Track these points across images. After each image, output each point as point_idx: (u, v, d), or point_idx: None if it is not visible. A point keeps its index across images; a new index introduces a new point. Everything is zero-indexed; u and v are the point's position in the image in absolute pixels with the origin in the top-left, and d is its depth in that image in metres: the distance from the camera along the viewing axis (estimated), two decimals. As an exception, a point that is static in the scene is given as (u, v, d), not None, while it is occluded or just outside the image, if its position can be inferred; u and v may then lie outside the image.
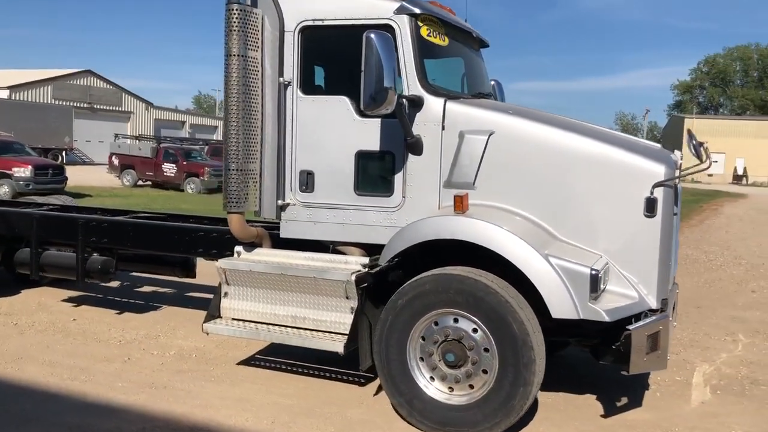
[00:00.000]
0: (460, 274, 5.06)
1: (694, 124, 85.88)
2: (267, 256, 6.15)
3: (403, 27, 5.53)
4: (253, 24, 5.81)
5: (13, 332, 7.49)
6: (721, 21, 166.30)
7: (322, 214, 5.93)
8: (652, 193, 5.08)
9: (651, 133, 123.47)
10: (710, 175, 79.80)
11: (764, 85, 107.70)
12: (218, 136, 65.28)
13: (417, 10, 5.55)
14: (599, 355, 5.53)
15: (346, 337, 5.58)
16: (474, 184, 5.47)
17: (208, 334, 6.07)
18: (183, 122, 64.72)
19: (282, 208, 6.04)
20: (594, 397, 6.15)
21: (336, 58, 6.09)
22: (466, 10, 6.86)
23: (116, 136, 37.83)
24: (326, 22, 5.77)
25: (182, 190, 30.50)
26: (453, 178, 5.51)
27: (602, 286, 4.90)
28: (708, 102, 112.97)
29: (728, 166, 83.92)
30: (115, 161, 32.71)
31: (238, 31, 5.74)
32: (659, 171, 5.13)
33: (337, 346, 5.51)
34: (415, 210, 5.62)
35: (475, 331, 5.05)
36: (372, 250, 5.90)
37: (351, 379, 6.33)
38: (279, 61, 5.93)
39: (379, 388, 5.91)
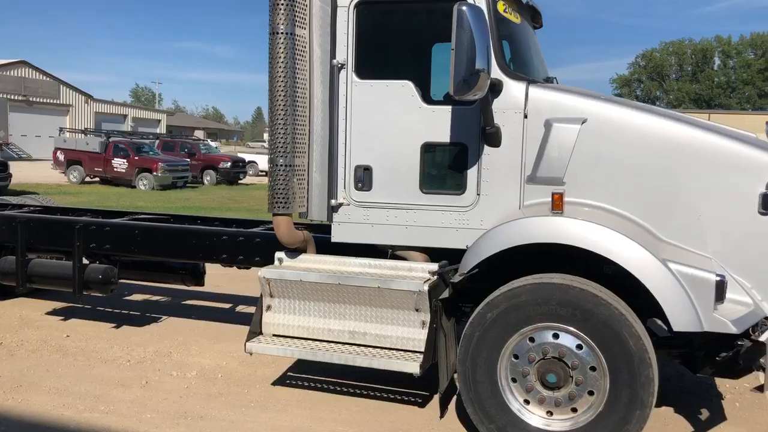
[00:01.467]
0: (563, 283, 4.44)
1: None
2: (316, 263, 5.40)
3: (479, 1, 4.86)
4: (300, -3, 5.04)
5: (1, 353, 6.51)
6: (656, 17, 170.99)
7: (381, 215, 5.23)
8: (768, 188, 4.56)
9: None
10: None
11: (698, 79, 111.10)
12: (162, 129, 63.20)
13: (489, -17, 4.89)
14: (697, 367, 4.99)
15: (418, 354, 4.92)
16: (563, 179, 4.85)
17: (251, 354, 5.28)
18: (125, 116, 62.25)
19: (334, 208, 5.30)
20: (671, 410, 5.63)
21: (398, 37, 5.37)
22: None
23: (61, 130, 35.81)
24: (383, -2, 5.05)
25: (134, 187, 29.09)
26: (538, 172, 4.88)
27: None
28: (645, 95, 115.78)
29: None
30: (61, 157, 30.89)
31: (286, 4, 4.96)
32: (776, 164, 4.61)
33: (411, 366, 4.83)
34: (492, 209, 4.99)
35: (579, 347, 4.44)
36: (435, 254, 5.25)
37: (404, 398, 5.66)
38: (331, 41, 5.19)
39: (443, 409, 5.29)
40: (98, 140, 30.52)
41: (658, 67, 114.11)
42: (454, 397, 5.54)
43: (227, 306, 8.67)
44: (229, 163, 33.60)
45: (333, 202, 5.26)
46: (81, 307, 8.26)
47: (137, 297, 8.92)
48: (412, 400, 5.63)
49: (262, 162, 42.64)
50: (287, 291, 5.27)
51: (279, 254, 5.51)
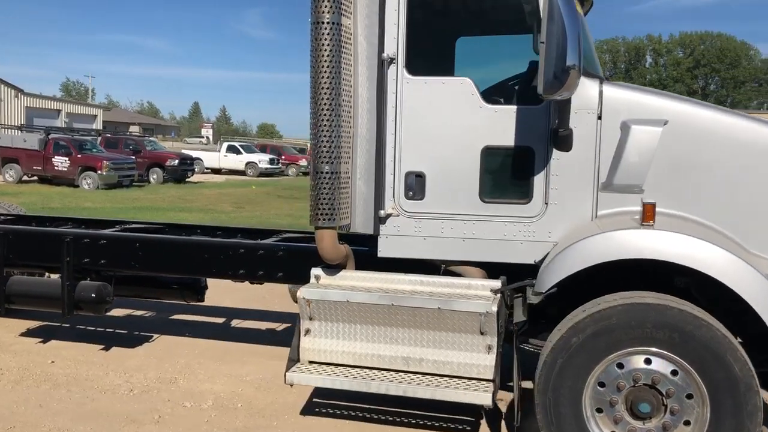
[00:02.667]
0: (660, 303, 4.01)
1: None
2: (360, 280, 4.84)
3: (546, -10, 4.38)
4: (345, -18, 4.47)
5: (-20, 386, 5.71)
6: (590, 15, 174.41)
7: (435, 227, 4.70)
8: None
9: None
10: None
11: (631, 76, 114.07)
12: (98, 125, 60.72)
13: (567, -28, 4.41)
14: None
15: (483, 383, 4.42)
16: (643, 186, 4.43)
17: (292, 385, 4.68)
18: (59, 111, 59.42)
19: (382, 219, 4.74)
20: None
21: (457, 28, 4.84)
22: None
23: (-7, 126, 33.79)
24: (443, -16, 4.52)
25: (77, 186, 27.61)
26: (615, 179, 4.45)
27: None
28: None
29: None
30: (-5, 155, 29.08)
31: (330, -9, 4.37)
32: None
33: (483, 397, 4.32)
34: (562, 220, 4.53)
35: (674, 373, 4.02)
36: (490, 270, 4.77)
37: (449, 426, 5.16)
38: (379, 32, 4.62)
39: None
40: (36, 137, 28.83)
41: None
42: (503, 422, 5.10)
43: (220, 320, 7.99)
44: (177, 161, 32.34)
45: (381, 212, 4.70)
46: (59, 326, 7.45)
47: (119, 312, 8.12)
48: (456, 427, 5.14)
49: (208, 159, 41.49)
50: (330, 313, 4.70)
51: (316, 270, 4.92)
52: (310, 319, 4.75)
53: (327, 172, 4.52)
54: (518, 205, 4.59)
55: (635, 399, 4.08)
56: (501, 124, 4.53)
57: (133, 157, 30.67)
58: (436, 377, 4.55)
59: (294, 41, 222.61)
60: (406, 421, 5.23)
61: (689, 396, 4.01)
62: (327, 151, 4.51)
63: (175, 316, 8.06)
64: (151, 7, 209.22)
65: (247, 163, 41.33)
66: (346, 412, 5.38)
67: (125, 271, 6.15)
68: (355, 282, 4.84)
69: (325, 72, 4.44)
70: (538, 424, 4.23)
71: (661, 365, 4.04)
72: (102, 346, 6.82)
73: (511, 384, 4.62)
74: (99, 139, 33.21)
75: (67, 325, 7.51)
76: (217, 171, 41.75)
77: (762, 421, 3.95)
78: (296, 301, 6.35)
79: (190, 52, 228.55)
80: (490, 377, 4.46)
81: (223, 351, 6.81)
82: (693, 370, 3.97)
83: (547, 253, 4.51)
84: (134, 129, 67.67)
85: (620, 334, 4.03)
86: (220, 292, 8.04)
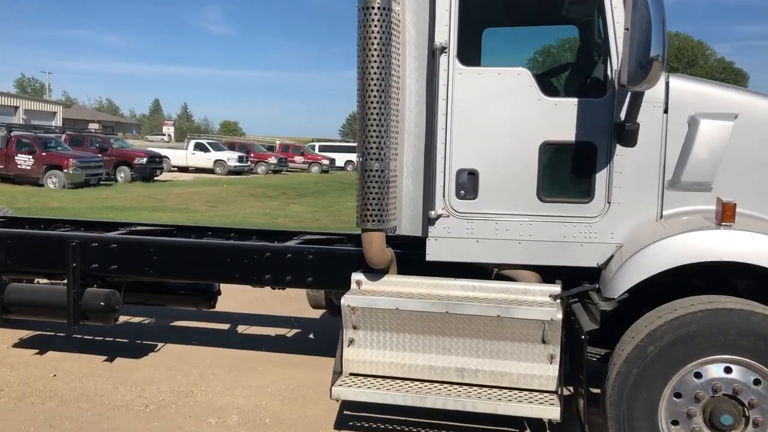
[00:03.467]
0: (743, 309, 3.77)
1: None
2: (405, 285, 4.52)
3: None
4: (394, -36, 4.14)
5: (-21, 405, 5.23)
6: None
7: (489, 228, 4.40)
8: None
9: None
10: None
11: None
12: (57, 122, 59.03)
13: (631, -45, 4.13)
14: None
15: (545, 395, 4.15)
16: (712, 184, 4.19)
17: (338, 400, 4.34)
18: (16, 108, 57.57)
19: (431, 221, 4.42)
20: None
21: (511, 16, 4.54)
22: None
23: (-50, 123, 32.38)
24: (500, -33, 4.22)
25: (41, 185, 26.63)
26: (683, 176, 4.20)
27: None
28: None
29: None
30: (-47, 153, 27.85)
31: (381, -27, 4.03)
32: None
33: (551, 411, 4.04)
34: (625, 219, 4.27)
35: (757, 382, 3.79)
36: (545, 272, 4.50)
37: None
38: (430, 19, 4.30)
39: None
40: (-2, 134, 27.72)
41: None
42: (560, 436, 4.82)
43: (225, 327, 7.56)
44: (145, 159, 31.47)
45: (432, 213, 4.38)
46: (53, 336, 6.96)
47: (115, 319, 7.63)
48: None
49: (174, 157, 40.58)
50: (377, 322, 4.36)
51: (357, 276, 4.58)
52: (354, 328, 4.41)
53: (377, 170, 4.19)
54: (579, 205, 4.31)
55: (714, 410, 3.84)
56: (561, 118, 4.25)
57: (100, 156, 29.76)
58: (494, 389, 4.26)
59: (255, 38, 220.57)
60: (444, 432, 4.93)
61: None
62: (376, 148, 4.17)
63: (177, 323, 7.61)
64: (107, 2, 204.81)
65: (216, 161, 40.52)
66: (381, 426, 5.05)
67: (138, 278, 5.71)
68: (402, 288, 4.51)
69: (375, 62, 4.11)
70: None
71: (742, 374, 3.80)
72: (104, 358, 6.37)
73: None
74: (63, 136, 32.10)
75: (61, 334, 7.02)
76: (184, 169, 40.83)
77: None
78: (315, 307, 6.03)
79: (150, 49, 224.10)
80: (553, 389, 4.19)
81: (235, 360, 6.41)
82: (778, 378, 3.74)
83: (611, 256, 4.25)
84: (94, 126, 65.92)
85: (700, 341, 3.78)
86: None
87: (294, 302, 8.48)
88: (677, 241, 3.90)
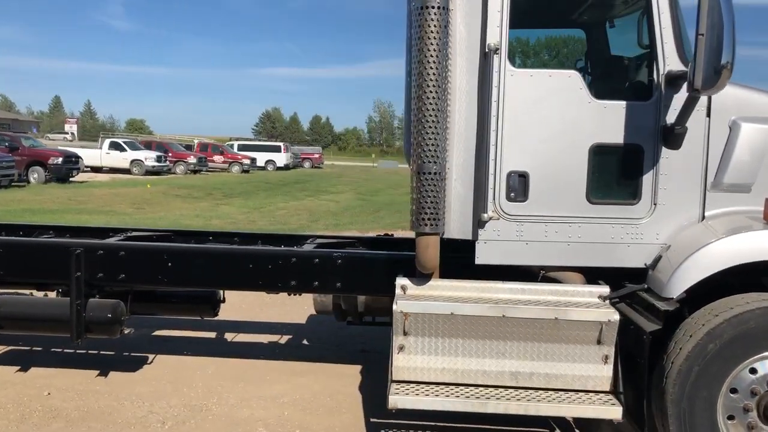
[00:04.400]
0: (799, 306, 3.92)
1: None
2: (452, 289, 4.46)
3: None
4: (448, -37, 4.07)
5: (-23, 429, 4.79)
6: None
7: (539, 230, 4.39)
8: None
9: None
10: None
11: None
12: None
13: (677, -39, 4.24)
14: None
15: (604, 395, 4.19)
16: (753, 186, 4.35)
17: (394, 410, 4.22)
18: None
19: (481, 224, 4.37)
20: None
21: (558, 17, 4.55)
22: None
23: None
24: (551, -31, 4.23)
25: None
26: (725, 179, 4.33)
27: None
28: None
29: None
30: None
31: (439, -29, 3.96)
32: None
33: (613, 411, 4.08)
34: (669, 220, 4.37)
35: (810, 376, 3.95)
36: (593, 275, 4.55)
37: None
38: (482, 20, 4.25)
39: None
40: None
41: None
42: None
43: (212, 335, 7.26)
44: (61, 159, 29.84)
45: (485, 216, 4.33)
46: (29, 351, 6.48)
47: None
48: (543, 440, 4.88)
49: (88, 156, 38.75)
50: (429, 327, 4.28)
51: (402, 281, 4.48)
52: (405, 334, 4.31)
53: (434, 173, 4.10)
54: (626, 206, 4.37)
55: (769, 404, 3.97)
56: (610, 121, 4.29)
57: (11, 155, 28.01)
58: (550, 392, 4.26)
59: (158, 33, 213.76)
60: (482, 437, 4.90)
61: (821, 398, 3.95)
62: (433, 150, 4.09)
63: (160, 333, 7.24)
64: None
65: (132, 161, 38.97)
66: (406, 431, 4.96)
67: (149, 286, 5.39)
68: (448, 292, 4.45)
69: (433, 62, 4.03)
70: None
71: (794, 368, 3.95)
72: (97, 372, 5.97)
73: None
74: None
75: (38, 348, 6.55)
76: (97, 170, 39.05)
77: None
78: (320, 312, 5.88)
79: (47, 43, 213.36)
80: (607, 389, 4.23)
81: (237, 369, 6.16)
82: (831, 371, 3.91)
83: (658, 256, 4.33)
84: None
85: (759, 338, 3.91)
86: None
87: (271, 308, 8.28)
88: (734, 241, 4.02)
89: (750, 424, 4.00)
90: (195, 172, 42.23)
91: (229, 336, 7.24)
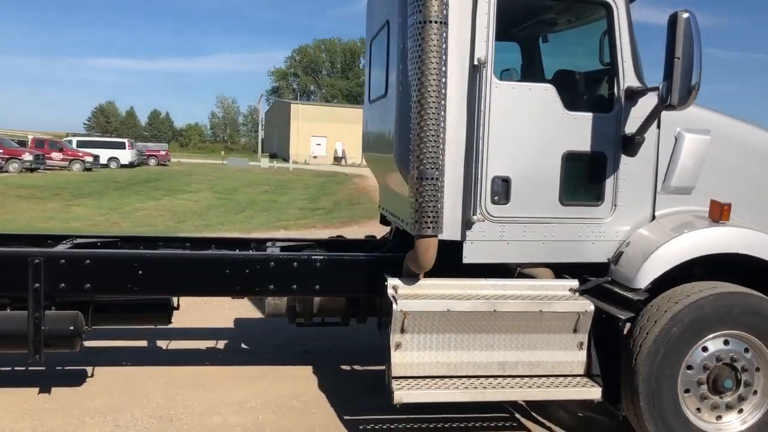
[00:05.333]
0: (743, 291, 4.60)
1: (299, 109, 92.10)
2: (441, 288, 4.73)
3: (619, 6, 4.73)
4: (446, -18, 4.33)
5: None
6: (302, 14, 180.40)
7: (518, 231, 4.77)
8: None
9: (251, 117, 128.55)
10: (315, 157, 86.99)
11: (348, 76, 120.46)
12: None
13: (634, -10, 4.79)
14: None
15: (579, 378, 4.66)
16: (693, 188, 5.00)
17: (398, 405, 4.40)
18: None
19: (468, 225, 4.68)
20: None
21: (536, 34, 4.91)
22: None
23: None
24: (531, -10, 4.61)
25: None
26: (672, 182, 4.94)
27: None
28: (302, 89, 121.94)
29: (329, 149, 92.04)
30: None
31: (441, -12, 4.21)
32: None
33: (594, 391, 4.56)
34: (627, 220, 4.92)
35: (746, 350, 4.64)
36: (563, 271, 5.02)
37: (505, 425, 5.28)
38: (471, 35, 4.54)
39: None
40: None
41: (312, 63, 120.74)
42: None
43: (143, 344, 6.98)
44: None
45: (474, 218, 4.63)
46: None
47: None
48: (514, 426, 5.28)
49: None
50: (425, 324, 4.52)
51: (393, 281, 4.68)
52: (402, 332, 4.51)
53: (434, 179, 4.33)
54: (592, 207, 4.86)
55: (717, 377, 4.60)
56: (579, 131, 4.75)
57: None
58: (534, 378, 4.64)
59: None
60: (447, 426, 5.19)
61: (757, 369, 4.65)
62: (433, 157, 4.31)
63: (88, 344, 6.83)
64: None
65: (-43, 159, 35.40)
66: (392, 426, 5.17)
67: (116, 296, 5.15)
68: (436, 290, 4.70)
69: (434, 75, 4.24)
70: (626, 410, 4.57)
71: (737, 345, 4.62)
72: (37, 389, 5.60)
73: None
74: None
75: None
76: None
77: None
78: (271, 315, 5.95)
79: None
80: (581, 372, 4.69)
81: (189, 377, 6.02)
82: (764, 346, 4.61)
83: (618, 252, 4.85)
84: None
85: (711, 320, 4.53)
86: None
87: (193, 313, 8.09)
88: (694, 236, 4.62)
89: (702, 395, 4.62)
90: (31, 170, 39.07)
91: (161, 343, 7.01)
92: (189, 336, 7.26)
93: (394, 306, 4.46)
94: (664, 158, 4.93)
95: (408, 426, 5.16)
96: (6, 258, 4.86)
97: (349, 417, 5.32)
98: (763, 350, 4.62)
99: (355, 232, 16.41)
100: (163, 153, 57.85)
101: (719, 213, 4.71)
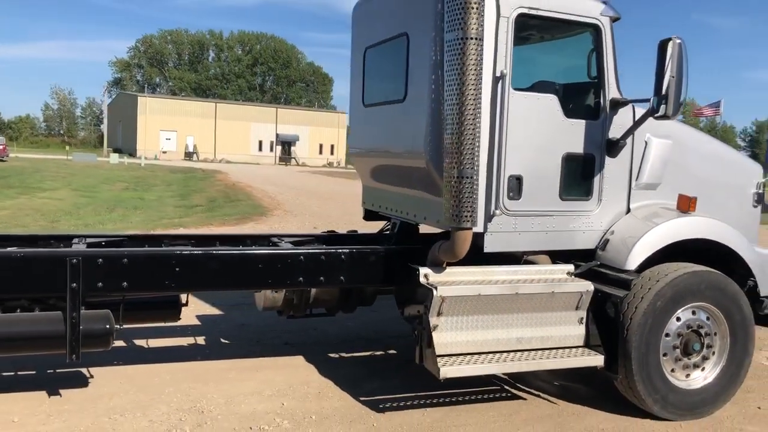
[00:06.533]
0: (707, 270, 5.55)
1: (147, 102, 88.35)
2: (466, 275, 5.30)
3: (606, 28, 5.53)
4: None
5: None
6: (155, 4, 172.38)
7: (527, 223, 5.45)
8: (758, 188, 6.47)
9: (90, 109, 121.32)
10: (165, 152, 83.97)
11: (196, 69, 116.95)
12: None
13: (616, 14, 5.59)
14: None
15: (581, 349, 5.44)
16: (659, 185, 5.91)
17: (443, 380, 4.92)
18: None
19: (489, 218, 5.28)
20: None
21: (542, 52, 5.56)
22: None
23: None
24: (540, 12, 5.29)
25: None
26: (644, 179, 5.83)
27: None
28: (146, 81, 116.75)
29: (180, 144, 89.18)
30: None
31: (477, 9, 4.77)
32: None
33: (598, 359, 5.34)
34: (608, 212, 5.75)
35: (708, 318, 5.62)
36: (554, 256, 5.77)
37: (508, 395, 5.94)
38: (494, 50, 5.14)
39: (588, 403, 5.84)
40: None
41: (158, 54, 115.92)
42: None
43: (122, 344, 6.93)
44: None
45: (497, 211, 5.25)
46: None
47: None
48: (517, 396, 5.95)
49: None
50: (459, 307, 5.07)
51: (424, 270, 5.20)
52: (439, 315, 5.03)
53: (471, 177, 4.87)
54: (583, 202, 5.63)
55: (687, 342, 5.54)
56: (575, 136, 5.50)
57: None
58: (545, 351, 5.34)
59: None
60: (454, 400, 5.76)
61: (715, 333, 5.65)
62: (470, 158, 4.86)
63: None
64: None
65: None
66: (408, 402, 5.66)
67: (150, 293, 5.21)
68: (464, 277, 5.27)
69: (472, 85, 4.78)
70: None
71: (701, 314, 5.59)
72: (44, 393, 5.50)
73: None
74: None
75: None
76: None
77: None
78: (268, 309, 6.26)
79: None
80: (582, 344, 5.45)
81: (191, 372, 6.13)
82: (722, 314, 5.60)
83: (604, 239, 5.66)
84: None
85: (685, 294, 5.45)
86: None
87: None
88: (671, 224, 5.54)
89: (676, 357, 5.54)
90: None
91: (140, 342, 6.99)
92: (163, 334, 7.27)
93: (434, 292, 4.96)
94: (637, 159, 5.80)
95: (417, 402, 5.65)
96: (44, 258, 4.82)
97: (364, 398, 5.73)
98: (720, 317, 5.61)
99: (255, 228, 16.52)
100: (1, 147, 53.32)
101: (687, 205, 5.65)
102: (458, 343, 5.12)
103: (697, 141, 6.23)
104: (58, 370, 6.03)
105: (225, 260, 5.21)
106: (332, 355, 6.90)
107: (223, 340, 7.28)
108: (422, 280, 5.15)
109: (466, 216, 4.89)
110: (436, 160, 5.08)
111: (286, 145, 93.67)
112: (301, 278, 5.37)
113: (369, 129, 6.45)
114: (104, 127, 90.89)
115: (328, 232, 6.92)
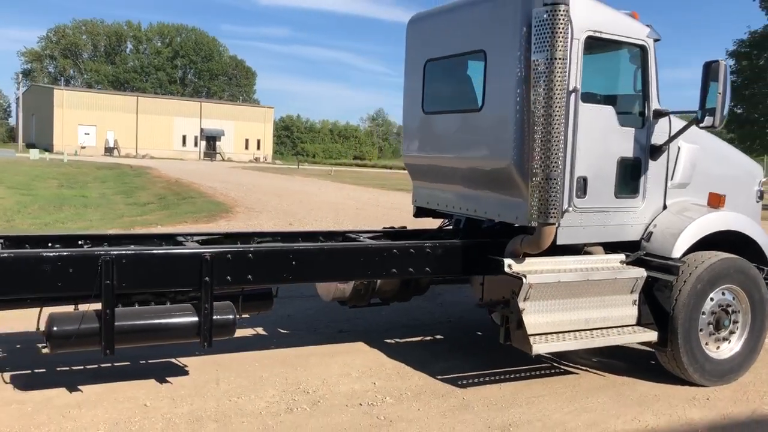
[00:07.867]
0: (733, 257, 6.49)
1: (64, 95, 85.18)
2: (542, 264, 6.04)
3: (650, 48, 6.38)
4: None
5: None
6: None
7: (590, 218, 6.23)
8: (760, 185, 7.51)
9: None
10: (84, 148, 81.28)
11: (113, 61, 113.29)
12: None
13: (658, 36, 6.45)
14: None
15: (635, 327, 6.27)
16: (689, 185, 6.83)
17: (534, 356, 5.68)
18: None
19: (563, 214, 6.03)
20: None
21: (602, 69, 6.33)
22: None
23: None
24: (603, 35, 6.07)
25: None
26: (678, 180, 6.73)
27: None
28: (59, 72, 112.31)
29: (100, 139, 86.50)
30: None
31: (563, 32, 5.51)
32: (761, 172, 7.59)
33: (651, 335, 6.19)
34: (650, 209, 6.61)
35: (734, 298, 6.58)
36: (604, 247, 6.60)
37: (560, 370, 6.71)
38: (569, 68, 5.88)
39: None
40: None
41: (71, 45, 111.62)
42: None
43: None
44: None
45: (570, 208, 5.99)
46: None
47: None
48: (567, 372, 6.73)
49: None
50: (541, 293, 5.79)
51: (509, 261, 5.89)
52: (526, 299, 5.75)
53: (556, 179, 5.60)
54: (632, 199, 6.46)
55: (719, 319, 6.48)
56: (628, 141, 6.32)
57: None
58: (606, 329, 6.15)
59: None
60: (517, 375, 6.51)
61: (739, 311, 6.61)
62: (555, 162, 5.59)
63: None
64: None
65: None
66: (481, 379, 6.35)
67: (269, 285, 5.67)
68: (541, 266, 6.00)
69: (558, 99, 5.52)
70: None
71: (729, 294, 6.54)
72: (151, 380, 5.89)
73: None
74: None
75: None
76: None
77: None
78: (335, 300, 6.85)
79: None
80: (634, 323, 6.29)
81: (275, 360, 6.61)
82: (745, 294, 6.57)
83: (650, 232, 6.51)
84: None
85: (720, 278, 6.37)
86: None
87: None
88: (708, 218, 6.45)
89: (710, 332, 6.46)
90: None
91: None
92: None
93: (524, 280, 5.68)
94: (672, 162, 6.68)
95: (488, 379, 6.35)
96: (184, 257, 5.24)
97: (441, 377, 6.38)
98: (743, 297, 6.57)
99: (225, 226, 16.77)
100: None
101: (717, 201, 6.58)
102: (541, 323, 5.84)
103: (716, 145, 7.19)
104: (150, 361, 6.39)
105: (333, 254, 5.75)
106: (388, 341, 7.50)
107: (281, 330, 7.75)
108: (507, 269, 5.85)
109: (553, 213, 5.62)
110: (519, 164, 5.78)
111: (211, 140, 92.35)
112: (393, 269, 5.96)
113: (431, 134, 7.09)
114: (19, 121, 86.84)
115: (386, 228, 7.48)
